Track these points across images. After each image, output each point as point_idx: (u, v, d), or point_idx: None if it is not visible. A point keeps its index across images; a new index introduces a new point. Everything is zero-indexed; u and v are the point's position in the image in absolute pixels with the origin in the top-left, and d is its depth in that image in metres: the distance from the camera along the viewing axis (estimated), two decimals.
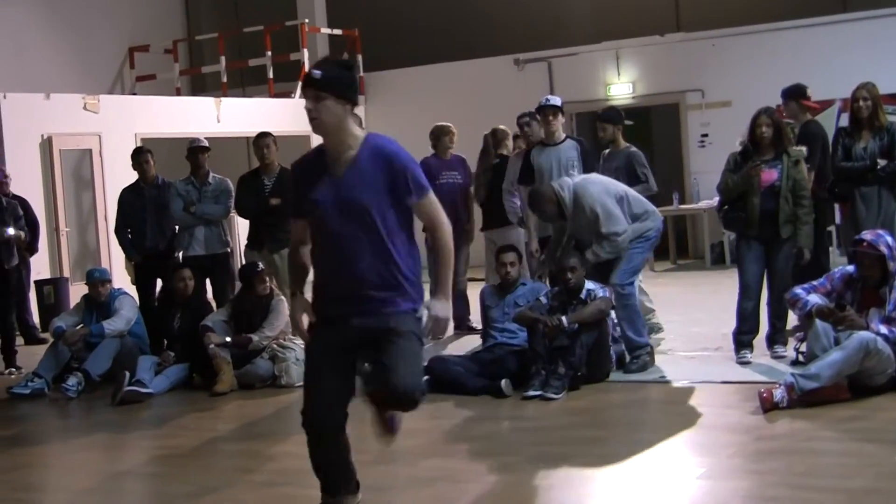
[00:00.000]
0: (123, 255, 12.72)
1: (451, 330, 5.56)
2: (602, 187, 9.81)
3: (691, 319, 11.70)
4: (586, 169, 10.73)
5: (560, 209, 9.69)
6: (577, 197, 9.65)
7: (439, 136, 12.35)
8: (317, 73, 5.57)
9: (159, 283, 12.15)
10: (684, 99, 19.33)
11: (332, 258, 5.68)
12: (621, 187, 10.02)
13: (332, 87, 5.56)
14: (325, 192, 5.63)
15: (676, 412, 8.45)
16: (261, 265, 10.83)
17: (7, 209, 12.43)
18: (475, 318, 11.57)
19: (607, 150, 11.59)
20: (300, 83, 5.71)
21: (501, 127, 12.64)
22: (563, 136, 10.95)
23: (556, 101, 10.88)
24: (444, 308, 5.69)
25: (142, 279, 12.42)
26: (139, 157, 12.46)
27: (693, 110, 19.16)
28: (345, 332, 5.66)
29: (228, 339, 10.51)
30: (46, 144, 16.61)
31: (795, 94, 11.08)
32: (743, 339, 9.81)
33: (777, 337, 9.83)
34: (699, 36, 19.27)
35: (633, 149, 11.59)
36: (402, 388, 5.57)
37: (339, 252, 5.65)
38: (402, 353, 5.62)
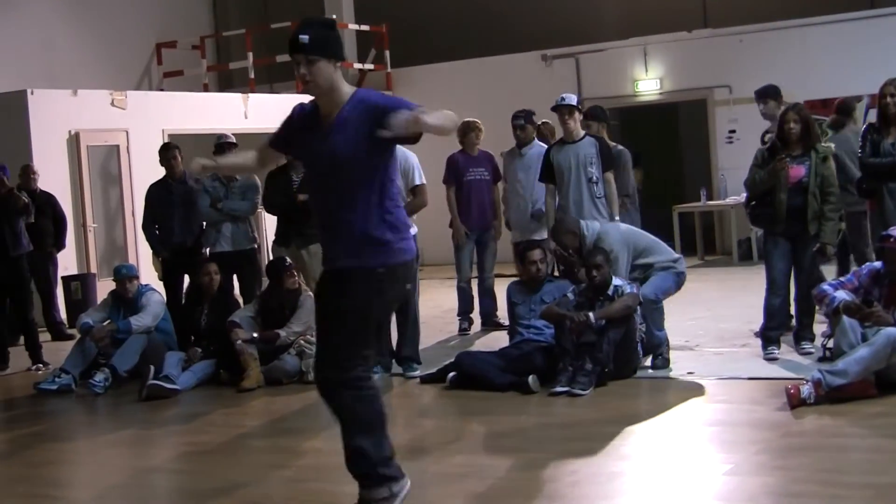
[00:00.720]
0: (151, 252, 12.77)
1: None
2: (623, 239, 9.93)
3: (718, 315, 11.66)
4: (605, 166, 10.72)
5: (578, 244, 9.75)
6: (600, 238, 9.78)
7: (466, 131, 12.34)
8: (304, 37, 5.65)
9: (187, 279, 12.19)
10: (712, 95, 19.27)
11: (319, 208, 5.92)
12: (646, 240, 10.10)
13: (322, 48, 5.67)
14: (312, 147, 5.82)
15: (703, 408, 8.43)
16: (289, 260, 10.85)
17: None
18: (502, 315, 11.58)
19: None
20: (289, 49, 5.74)
21: (549, 122, 12.69)
22: (582, 133, 10.92)
23: (571, 99, 10.85)
24: (407, 116, 5.47)
25: (169, 275, 12.47)
26: (167, 153, 12.51)
27: (720, 106, 19.10)
28: (330, 285, 5.81)
29: (255, 335, 10.52)
30: (74, 140, 16.66)
31: (773, 93, 11.00)
32: (770, 335, 9.78)
33: (804, 333, 9.81)
34: (727, 32, 19.23)
35: (620, 147, 11.63)
36: (319, 375, 5.76)
37: (323, 202, 5.86)
38: (337, 325, 5.70)
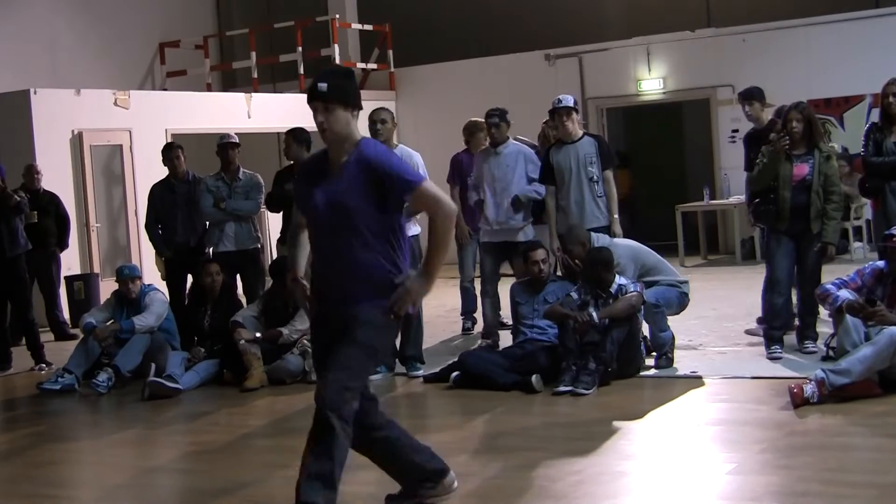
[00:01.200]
0: (154, 251, 12.77)
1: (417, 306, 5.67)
2: (633, 256, 9.97)
3: (722, 315, 11.66)
4: (604, 165, 10.71)
5: (598, 250, 9.71)
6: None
7: (473, 131, 12.33)
8: (323, 85, 5.77)
9: (190, 278, 12.18)
10: (715, 94, 19.24)
11: (321, 255, 5.97)
12: (653, 259, 10.14)
13: (339, 97, 5.78)
14: (320, 193, 5.87)
15: (707, 407, 8.42)
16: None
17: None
18: (505, 315, 11.56)
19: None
20: (308, 96, 5.87)
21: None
22: (581, 133, 10.90)
23: (568, 101, 10.82)
24: (419, 284, 5.81)
25: (172, 275, 12.47)
26: (170, 152, 12.51)
27: (724, 105, 19.07)
28: (333, 323, 5.88)
29: (258, 334, 10.53)
30: (77, 140, 16.67)
31: (758, 95, 10.96)
32: (774, 334, 9.78)
33: (808, 332, 9.80)
34: (730, 31, 19.21)
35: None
36: (320, 399, 5.71)
37: (327, 249, 5.92)
38: (343, 358, 5.76)
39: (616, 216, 10.68)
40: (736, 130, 18.36)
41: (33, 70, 19.43)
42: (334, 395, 5.67)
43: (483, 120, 12.08)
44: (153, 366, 10.47)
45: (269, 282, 11.30)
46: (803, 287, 9.73)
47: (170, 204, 12.33)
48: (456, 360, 9.94)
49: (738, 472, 6.61)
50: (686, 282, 10.19)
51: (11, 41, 19.85)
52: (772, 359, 9.63)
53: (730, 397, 8.62)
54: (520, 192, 11.06)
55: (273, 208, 11.85)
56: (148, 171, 15.47)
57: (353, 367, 5.75)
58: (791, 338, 9.92)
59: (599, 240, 9.96)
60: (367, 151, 5.82)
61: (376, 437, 6.04)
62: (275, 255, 11.98)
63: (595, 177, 10.63)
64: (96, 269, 16.42)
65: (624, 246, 10.09)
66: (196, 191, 12.11)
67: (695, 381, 9.22)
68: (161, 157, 12.59)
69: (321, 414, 5.67)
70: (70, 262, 15.71)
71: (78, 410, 10.37)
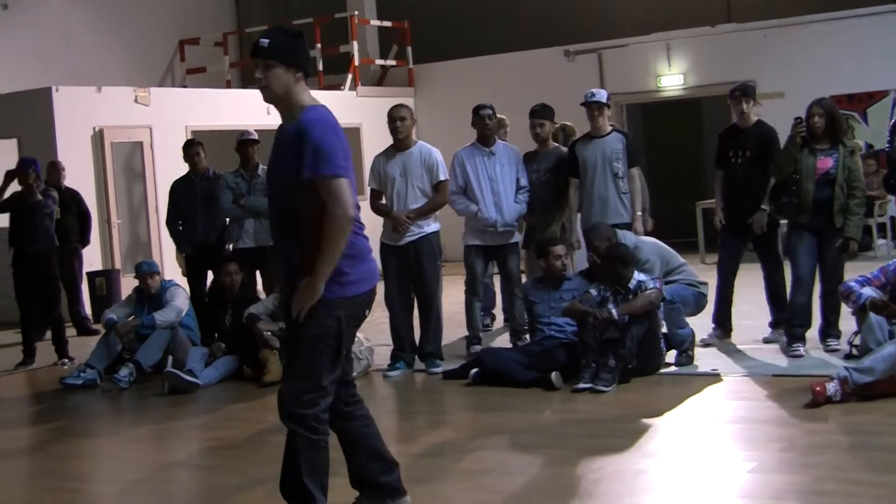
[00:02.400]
0: (174, 247, 12.79)
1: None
2: (659, 254, 10.01)
3: (742, 312, 11.60)
4: (630, 162, 10.66)
5: (616, 245, 9.66)
6: (636, 250, 9.79)
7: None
8: (264, 41, 5.56)
9: (210, 275, 12.20)
10: None
11: (271, 227, 5.91)
12: (677, 260, 10.18)
13: (280, 54, 5.53)
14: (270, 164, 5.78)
15: (727, 405, 8.40)
16: None
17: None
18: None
19: (535, 150, 11.38)
20: (250, 56, 5.67)
21: (569, 123, 12.56)
22: (609, 128, 10.86)
23: (601, 96, 10.77)
24: (303, 291, 5.41)
25: (193, 271, 12.50)
26: (190, 149, 12.53)
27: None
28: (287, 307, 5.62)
29: (281, 324, 10.54)
30: (98, 137, 16.71)
31: (753, 92, 10.76)
32: (795, 332, 9.75)
33: (830, 330, 9.77)
34: (751, 26, 19.14)
35: (564, 149, 11.47)
36: (279, 406, 5.53)
37: (271, 223, 5.83)
38: (294, 359, 5.57)
39: (639, 213, 10.64)
40: None
41: (54, 68, 19.50)
42: (291, 405, 5.47)
43: (504, 117, 12.06)
44: (170, 359, 10.54)
45: None
46: (826, 284, 9.69)
47: (190, 200, 12.36)
48: (475, 356, 9.94)
49: (758, 471, 6.58)
50: (706, 284, 10.18)
51: (33, 39, 19.92)
52: (793, 356, 9.59)
53: (750, 395, 8.60)
54: (518, 209, 10.81)
55: None
56: (168, 167, 15.51)
57: (305, 369, 5.48)
58: (813, 334, 9.88)
59: (625, 237, 9.93)
60: (308, 115, 5.50)
61: (340, 425, 5.80)
62: None
63: (620, 173, 10.58)
64: (117, 266, 16.48)
65: (651, 244, 10.09)
66: (216, 187, 12.13)
67: (715, 378, 9.19)
68: (182, 154, 12.62)
69: (283, 420, 5.52)
70: (91, 258, 15.76)
71: (99, 405, 10.41)
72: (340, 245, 5.37)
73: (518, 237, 10.93)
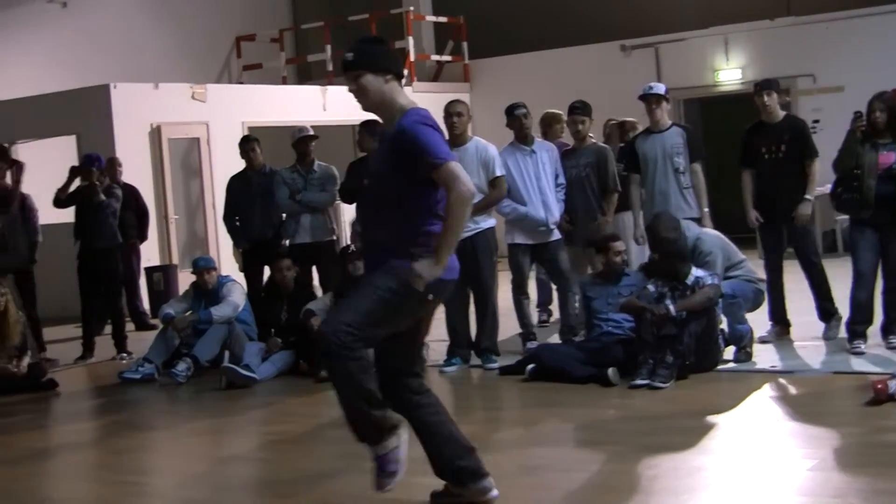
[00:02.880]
0: (231, 243, 12.85)
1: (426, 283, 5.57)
2: (722, 244, 9.95)
3: (802, 308, 11.51)
4: (692, 156, 10.59)
5: (674, 241, 9.53)
6: (699, 241, 9.74)
7: (550, 123, 12.18)
8: (348, 54, 5.79)
9: (266, 270, 12.24)
10: (795, 84, 19.01)
11: (361, 218, 6.25)
12: (738, 255, 10.10)
13: (365, 62, 5.77)
14: (372, 160, 6.16)
15: (787, 402, 8.34)
16: (353, 246, 10.85)
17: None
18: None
19: (573, 147, 11.37)
20: (343, 73, 5.90)
21: (631, 119, 12.51)
22: (669, 123, 10.79)
23: (659, 88, 10.72)
24: (426, 267, 5.60)
25: (249, 267, 12.53)
26: (246, 145, 12.57)
27: (804, 96, 18.85)
28: None
29: None
30: (155, 134, 16.82)
31: (777, 87, 10.55)
32: (857, 328, 9.65)
33: (892, 327, 9.66)
34: (810, 20, 19.00)
35: (602, 145, 11.39)
36: (322, 328, 5.69)
37: (364, 213, 6.10)
38: (351, 296, 5.77)
39: (706, 210, 10.57)
40: (817, 121, 18.14)
41: (112, 65, 19.67)
42: (333, 322, 5.62)
43: (561, 112, 12.01)
44: (227, 353, 10.61)
45: None
46: (888, 280, 9.59)
47: (247, 196, 12.40)
48: (531, 352, 9.92)
49: (819, 469, 6.51)
50: (763, 280, 10.12)
51: (91, 37, 20.11)
52: (854, 353, 9.50)
53: (810, 392, 8.52)
54: (560, 207, 10.78)
55: (348, 200, 11.86)
56: (224, 163, 15.58)
57: (355, 307, 5.62)
58: (874, 331, 9.78)
59: (689, 228, 9.85)
60: (404, 121, 5.71)
61: (412, 415, 5.90)
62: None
63: (681, 168, 10.51)
64: (175, 261, 16.59)
65: (713, 236, 10.02)
66: (272, 183, 12.16)
67: (774, 375, 9.11)
68: (238, 150, 12.66)
69: (320, 339, 5.62)
70: (149, 253, 15.88)
71: (157, 399, 10.48)
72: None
73: (559, 234, 10.83)
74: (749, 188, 10.45)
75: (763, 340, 10.21)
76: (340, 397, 5.69)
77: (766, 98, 10.28)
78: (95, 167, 12.51)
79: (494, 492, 5.99)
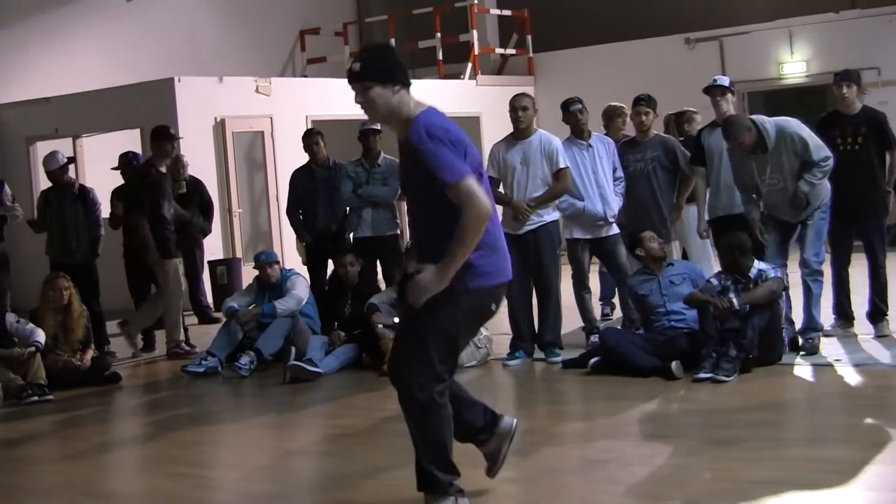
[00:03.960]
0: (295, 237, 12.90)
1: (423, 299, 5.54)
2: (798, 124, 9.61)
3: (867, 302, 11.44)
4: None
5: (758, 140, 9.41)
6: (781, 129, 9.44)
7: (612, 116, 12.11)
8: (356, 65, 5.68)
9: (330, 264, 12.27)
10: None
11: (409, 219, 6.16)
12: (807, 131, 9.64)
13: (373, 73, 5.65)
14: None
15: (850, 396, 8.27)
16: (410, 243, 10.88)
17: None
18: None
19: (634, 138, 11.31)
20: (348, 83, 5.80)
21: (691, 109, 12.44)
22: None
23: (723, 81, 10.65)
24: (430, 278, 5.53)
25: (313, 260, 12.57)
26: (310, 139, 12.62)
27: (869, 88, 18.62)
28: None
29: (396, 319, 10.59)
30: (219, 127, 16.92)
31: (857, 78, 10.38)
32: None
33: None
34: (875, 12, 18.81)
35: (665, 136, 11.31)
36: (392, 377, 5.78)
37: (410, 216, 6.05)
38: (407, 335, 5.80)
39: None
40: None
41: (177, 59, 19.80)
42: (407, 379, 5.68)
43: (623, 105, 11.95)
44: (293, 349, 10.61)
45: None
46: None
47: (310, 190, 12.44)
48: (595, 342, 9.91)
49: (883, 463, 6.46)
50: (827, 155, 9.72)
51: (156, 31, 20.25)
52: None
53: (876, 385, 8.45)
54: (618, 201, 10.76)
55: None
56: (288, 157, 15.65)
57: (419, 351, 5.64)
58: None
59: (765, 122, 9.41)
60: (412, 132, 5.62)
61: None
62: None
63: None
64: (238, 254, 16.67)
65: (792, 122, 9.59)
66: (336, 177, 12.19)
67: (839, 369, 9.04)
68: (301, 144, 12.71)
69: (398, 388, 5.76)
70: (213, 247, 15.95)
71: (221, 393, 10.54)
72: (474, 241, 5.50)
73: (617, 228, 10.79)
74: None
75: (827, 334, 10.12)
76: (417, 442, 5.85)
77: (844, 89, 10.18)
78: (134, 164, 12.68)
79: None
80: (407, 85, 5.75)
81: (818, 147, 9.37)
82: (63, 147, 14.83)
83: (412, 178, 5.74)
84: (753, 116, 9.70)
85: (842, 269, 10.33)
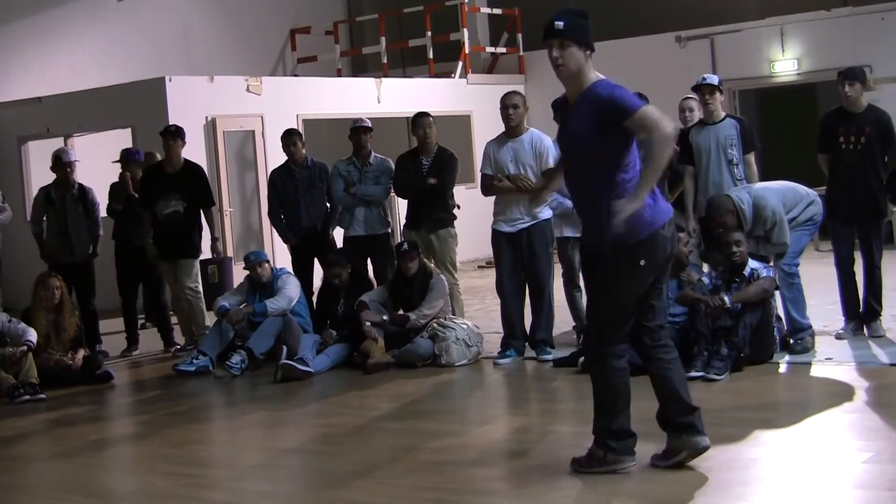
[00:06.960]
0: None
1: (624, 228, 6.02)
2: (780, 197, 9.78)
3: (861, 301, 11.48)
4: (745, 148, 10.53)
5: (738, 220, 9.55)
6: (758, 209, 9.60)
7: None
8: (560, 23, 6.24)
9: (317, 262, 12.22)
10: None
11: (571, 189, 6.63)
12: (791, 193, 9.96)
13: (574, 34, 6.22)
14: (563, 129, 6.49)
15: (842, 394, 8.27)
16: (406, 244, 10.86)
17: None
18: None
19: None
20: (544, 34, 6.46)
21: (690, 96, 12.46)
22: (723, 114, 10.72)
23: (713, 79, 10.66)
24: (624, 204, 5.96)
25: (300, 260, 12.43)
26: (288, 139, 12.37)
27: None
28: (587, 249, 6.50)
29: (385, 317, 10.61)
30: (210, 126, 16.91)
31: (862, 76, 10.36)
32: None
33: None
34: (867, 10, 18.83)
35: None
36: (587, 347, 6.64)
37: (573, 183, 6.50)
38: (590, 302, 6.41)
39: None
40: None
41: (168, 58, 19.80)
42: (589, 340, 6.46)
43: None
44: (284, 348, 10.62)
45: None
46: None
47: (292, 190, 12.22)
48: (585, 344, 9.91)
49: (875, 461, 6.47)
50: (814, 199, 10.00)
51: (147, 31, 20.25)
52: None
53: (867, 384, 8.46)
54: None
55: (401, 194, 11.87)
56: (280, 156, 15.53)
57: (595, 309, 6.34)
58: None
59: (742, 199, 9.62)
60: (598, 89, 6.17)
61: (647, 366, 6.60)
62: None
63: (735, 160, 10.44)
64: (230, 253, 16.65)
65: (770, 194, 9.77)
66: (317, 175, 12.14)
67: (830, 367, 9.06)
68: (281, 144, 12.60)
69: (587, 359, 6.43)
70: (204, 246, 15.89)
71: (212, 392, 10.54)
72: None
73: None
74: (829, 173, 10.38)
75: (840, 337, 10.09)
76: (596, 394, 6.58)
77: (847, 88, 10.15)
78: (135, 159, 12.67)
79: (705, 442, 6.50)
80: (593, 51, 6.30)
81: (783, 233, 9.54)
82: (55, 146, 14.80)
83: (584, 129, 6.15)
84: (734, 194, 9.80)
85: (847, 270, 10.30)
